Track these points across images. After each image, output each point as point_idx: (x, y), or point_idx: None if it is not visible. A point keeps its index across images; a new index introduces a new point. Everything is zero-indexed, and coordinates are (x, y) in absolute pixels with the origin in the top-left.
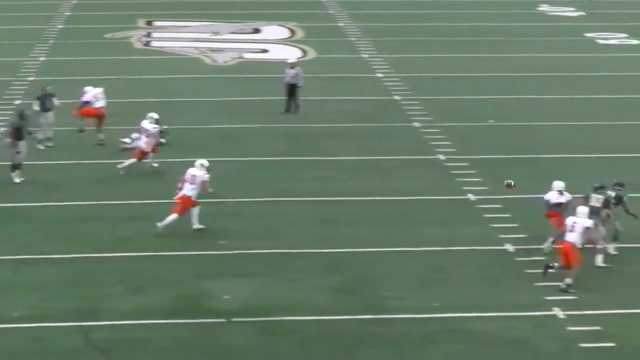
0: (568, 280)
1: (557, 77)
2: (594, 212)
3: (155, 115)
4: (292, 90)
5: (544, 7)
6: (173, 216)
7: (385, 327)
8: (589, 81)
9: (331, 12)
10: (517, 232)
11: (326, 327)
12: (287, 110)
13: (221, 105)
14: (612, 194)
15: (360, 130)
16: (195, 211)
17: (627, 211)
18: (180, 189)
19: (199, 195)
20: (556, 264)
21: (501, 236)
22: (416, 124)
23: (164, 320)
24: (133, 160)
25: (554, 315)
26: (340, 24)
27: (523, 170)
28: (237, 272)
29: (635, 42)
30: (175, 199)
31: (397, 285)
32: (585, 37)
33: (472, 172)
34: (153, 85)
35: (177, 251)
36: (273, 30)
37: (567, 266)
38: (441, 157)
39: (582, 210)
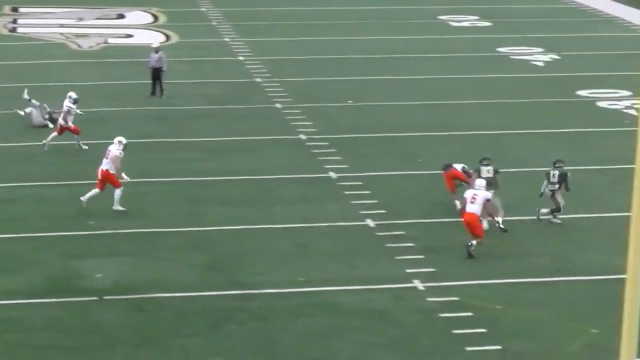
0: (473, 243)
1: (412, 58)
2: (488, 184)
3: (74, 95)
4: (156, 73)
5: None
6: (95, 190)
7: (252, 302)
8: (441, 62)
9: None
10: (377, 208)
11: (195, 303)
12: (153, 93)
13: (88, 90)
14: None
15: (224, 112)
16: (117, 192)
17: (567, 188)
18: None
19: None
20: (473, 242)
21: (362, 212)
22: (278, 105)
23: (35, 300)
24: (55, 134)
25: (414, 287)
26: (202, 9)
27: (381, 148)
28: (108, 252)
29: (486, 24)
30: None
31: (263, 261)
32: (439, 19)
33: (333, 150)
34: (20, 70)
35: (47, 232)
36: (137, 16)
37: (472, 235)
38: (303, 136)
39: (480, 182)
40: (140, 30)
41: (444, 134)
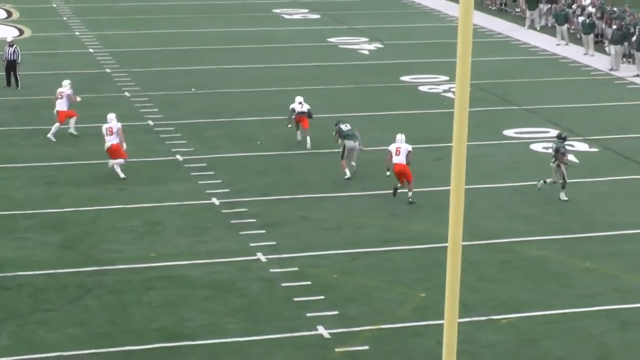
0: (410, 194)
1: (248, 49)
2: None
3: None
4: (11, 66)
5: None
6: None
7: (107, 277)
8: (276, 51)
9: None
10: (221, 187)
11: (54, 280)
12: (8, 84)
13: None
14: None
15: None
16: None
17: (564, 162)
18: None
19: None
20: (398, 185)
21: (208, 191)
22: (127, 94)
23: None
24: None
25: (258, 260)
26: (53, 5)
27: (221, 132)
28: None
29: (315, 16)
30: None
31: (116, 239)
32: (273, 12)
33: (178, 135)
34: None
35: None
36: None
37: (404, 183)
38: (150, 122)
39: (401, 137)
40: None
41: (280, 118)
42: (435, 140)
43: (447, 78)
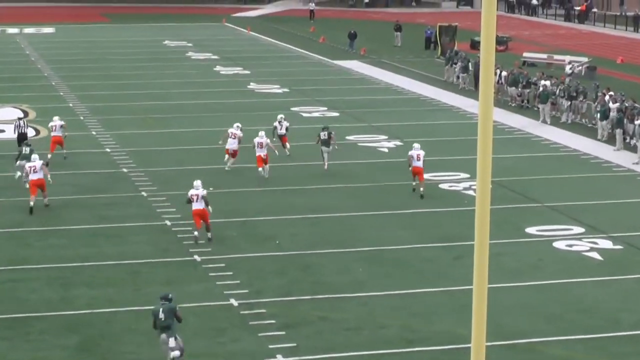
0: (422, 189)
1: None
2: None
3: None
4: (24, 138)
5: None
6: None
7: None
8: (292, 150)
9: (61, 93)
10: (239, 288)
11: None
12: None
13: None
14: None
15: (94, 200)
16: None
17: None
18: None
19: None
20: (414, 183)
21: (226, 292)
22: (144, 193)
23: None
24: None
25: None
26: (69, 105)
27: (239, 231)
28: None
29: (334, 114)
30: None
31: (132, 341)
32: (292, 110)
33: (196, 235)
34: None
35: None
36: (7, 112)
37: (416, 180)
38: (168, 222)
39: (417, 145)
40: (11, 126)
41: (300, 217)
42: (456, 239)
43: (467, 175)
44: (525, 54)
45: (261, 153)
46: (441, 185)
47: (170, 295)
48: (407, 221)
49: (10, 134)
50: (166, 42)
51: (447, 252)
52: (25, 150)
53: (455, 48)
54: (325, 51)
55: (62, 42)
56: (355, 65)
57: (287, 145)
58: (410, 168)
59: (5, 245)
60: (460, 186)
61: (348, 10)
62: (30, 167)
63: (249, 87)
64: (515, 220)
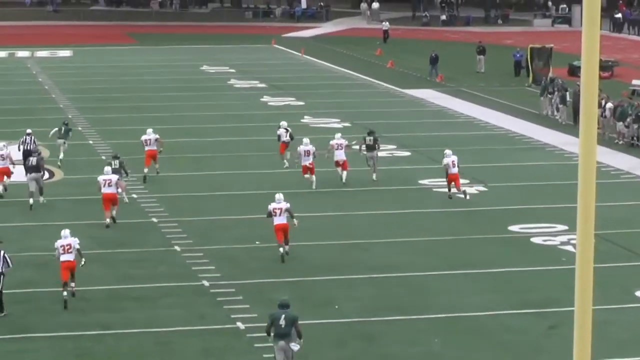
0: (460, 190)
1: (322, 193)
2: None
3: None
4: (29, 155)
5: None
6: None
7: None
8: (358, 196)
9: (79, 128)
10: None
11: None
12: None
13: None
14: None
15: (118, 256)
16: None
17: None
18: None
19: None
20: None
21: None
22: (177, 248)
23: None
24: None
25: None
26: (90, 142)
27: (291, 293)
28: None
29: (404, 153)
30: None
31: None
32: (354, 149)
33: (239, 298)
34: None
35: None
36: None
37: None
38: (206, 283)
39: (449, 152)
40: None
41: (364, 277)
42: (550, 304)
43: (565, 227)
44: (634, 82)
45: (306, 162)
46: (534, 239)
47: (289, 302)
48: (490, 282)
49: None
50: (204, 67)
51: (539, 320)
52: (115, 164)
53: (551, 74)
54: (395, 78)
55: (80, 68)
56: (430, 95)
57: (287, 155)
58: (446, 177)
59: (13, 309)
60: (557, 240)
61: (421, 29)
62: (105, 180)
63: (302, 121)
64: (624, 282)
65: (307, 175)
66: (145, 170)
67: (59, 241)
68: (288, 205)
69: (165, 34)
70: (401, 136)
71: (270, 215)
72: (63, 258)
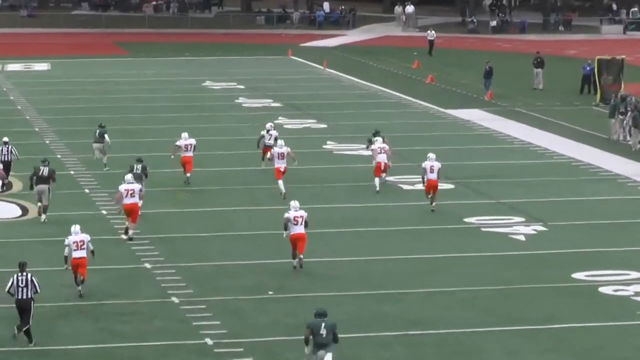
0: (433, 204)
1: (348, 233)
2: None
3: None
4: (7, 167)
5: None
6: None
7: None
8: (391, 236)
9: (58, 156)
10: None
11: None
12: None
13: None
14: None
15: (104, 308)
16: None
17: None
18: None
19: None
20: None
21: None
22: (174, 299)
23: None
24: None
25: None
26: (71, 172)
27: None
28: None
29: (449, 186)
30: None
31: None
32: (389, 181)
33: (249, 359)
34: None
35: None
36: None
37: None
38: (209, 341)
39: (433, 155)
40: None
41: (396, 334)
42: None
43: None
44: None
45: (281, 165)
46: (602, 289)
47: (326, 310)
48: (549, 341)
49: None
50: (207, 82)
51: None
52: (137, 168)
53: (622, 92)
54: (435, 96)
55: (60, 84)
56: (477, 116)
57: (268, 156)
58: (424, 183)
59: None
60: (630, 290)
61: (467, 37)
62: (127, 190)
63: (325, 147)
64: None
65: (280, 182)
66: (188, 175)
67: (70, 237)
68: (306, 214)
69: (161, 44)
70: (442, 165)
71: (287, 226)
72: (75, 255)
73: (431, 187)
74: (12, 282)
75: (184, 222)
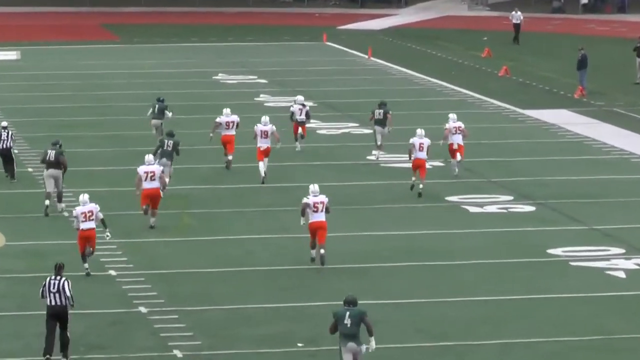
0: (421, 186)
1: (404, 268)
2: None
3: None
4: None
5: None
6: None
7: None
8: (445, 271)
9: (29, 170)
10: None
11: None
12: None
13: None
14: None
15: None
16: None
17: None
18: None
19: None
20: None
21: None
22: (177, 353)
23: None
24: None
25: None
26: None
27: None
28: None
29: (526, 208)
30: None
31: None
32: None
33: None
34: None
35: None
36: None
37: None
38: None
39: (421, 132)
40: None
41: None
42: None
43: None
44: None
45: (263, 145)
46: None
47: (356, 298)
48: None
49: None
50: (220, 76)
51: None
52: (168, 144)
53: None
54: (510, 92)
55: (32, 77)
56: (564, 119)
57: (304, 135)
58: (410, 160)
59: None
60: None
61: (551, 17)
62: (146, 172)
63: (369, 157)
64: None
65: (261, 163)
66: (229, 157)
67: (77, 208)
68: (327, 199)
69: (160, 26)
70: (521, 182)
71: (304, 212)
72: (83, 226)
73: (418, 166)
74: (44, 285)
75: (188, 255)
